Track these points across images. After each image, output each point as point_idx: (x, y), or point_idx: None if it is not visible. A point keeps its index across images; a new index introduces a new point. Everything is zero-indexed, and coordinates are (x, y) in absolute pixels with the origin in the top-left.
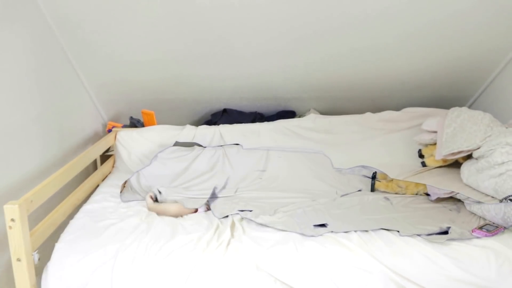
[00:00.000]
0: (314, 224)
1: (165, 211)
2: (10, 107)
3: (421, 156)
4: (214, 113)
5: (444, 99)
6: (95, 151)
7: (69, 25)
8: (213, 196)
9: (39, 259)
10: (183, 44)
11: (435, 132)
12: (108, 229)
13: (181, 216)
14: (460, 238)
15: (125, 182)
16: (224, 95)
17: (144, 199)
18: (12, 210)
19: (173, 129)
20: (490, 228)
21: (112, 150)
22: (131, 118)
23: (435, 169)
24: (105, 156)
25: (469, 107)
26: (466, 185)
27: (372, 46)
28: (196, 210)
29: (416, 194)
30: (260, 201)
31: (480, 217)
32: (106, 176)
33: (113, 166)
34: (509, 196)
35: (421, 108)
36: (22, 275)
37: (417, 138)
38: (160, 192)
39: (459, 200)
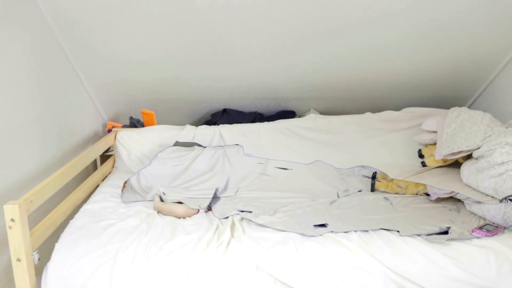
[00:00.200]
0: (314, 224)
1: (172, 212)
2: (9, 107)
3: (421, 156)
4: (214, 113)
5: (444, 99)
6: (95, 151)
7: (68, 25)
8: (215, 197)
9: (39, 259)
10: (183, 44)
11: (435, 132)
12: (108, 229)
13: (189, 216)
14: (460, 238)
15: (125, 182)
16: (224, 95)
17: (144, 199)
18: (12, 210)
19: (173, 129)
20: (490, 228)
21: (112, 150)
22: (131, 118)
23: (435, 169)
24: (105, 156)
25: (469, 107)
26: (466, 185)
27: (372, 47)
28: (198, 211)
29: (416, 194)
30: (260, 201)
31: (480, 217)
32: (106, 176)
33: (113, 166)
34: (509, 196)
35: (421, 108)
36: (22, 275)
37: (417, 138)
38: (164, 193)
39: (459, 200)
